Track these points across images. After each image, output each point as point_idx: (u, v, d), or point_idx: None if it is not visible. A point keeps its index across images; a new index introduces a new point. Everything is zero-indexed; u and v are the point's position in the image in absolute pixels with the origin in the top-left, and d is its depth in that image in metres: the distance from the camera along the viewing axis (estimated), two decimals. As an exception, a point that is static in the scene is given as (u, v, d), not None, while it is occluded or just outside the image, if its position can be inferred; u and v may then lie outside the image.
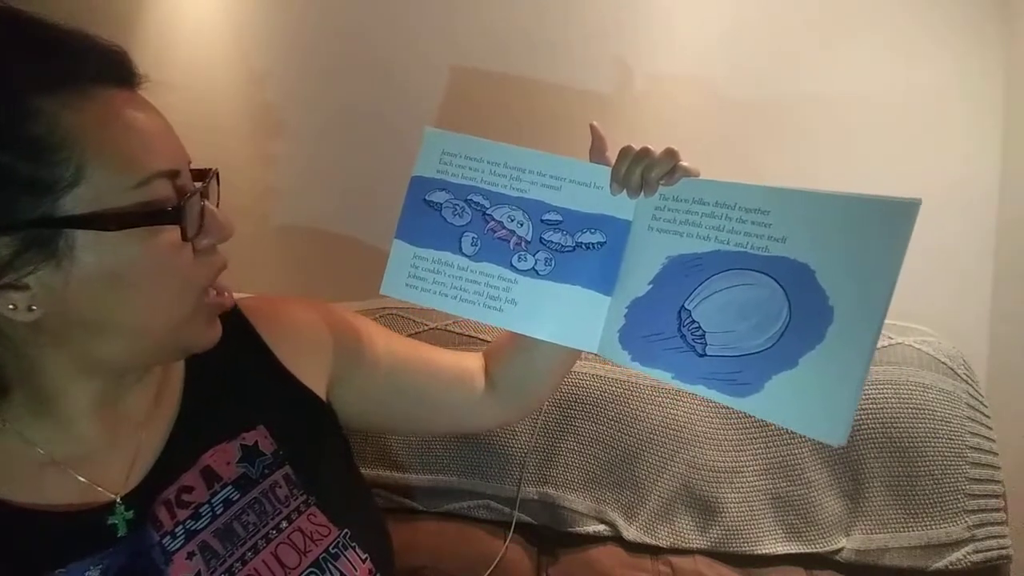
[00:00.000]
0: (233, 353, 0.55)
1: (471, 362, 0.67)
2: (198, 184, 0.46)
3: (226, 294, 0.50)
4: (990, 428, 0.86)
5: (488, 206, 0.56)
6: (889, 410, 0.85)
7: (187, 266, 0.45)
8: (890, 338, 0.90)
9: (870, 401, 0.86)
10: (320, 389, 0.59)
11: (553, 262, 0.55)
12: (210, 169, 0.48)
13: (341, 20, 1.07)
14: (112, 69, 0.43)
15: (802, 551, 0.87)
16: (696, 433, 0.89)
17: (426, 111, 1.08)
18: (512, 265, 0.55)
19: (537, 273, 0.55)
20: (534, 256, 0.55)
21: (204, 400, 0.54)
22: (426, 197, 0.57)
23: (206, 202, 0.47)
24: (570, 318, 0.55)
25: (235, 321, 0.58)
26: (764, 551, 0.87)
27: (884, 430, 0.85)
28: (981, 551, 0.83)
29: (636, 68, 1.02)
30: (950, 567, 0.83)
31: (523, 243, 0.55)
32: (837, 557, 0.86)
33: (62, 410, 0.46)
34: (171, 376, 0.54)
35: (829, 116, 0.99)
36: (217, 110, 1.11)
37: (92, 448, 0.48)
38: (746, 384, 0.45)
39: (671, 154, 0.51)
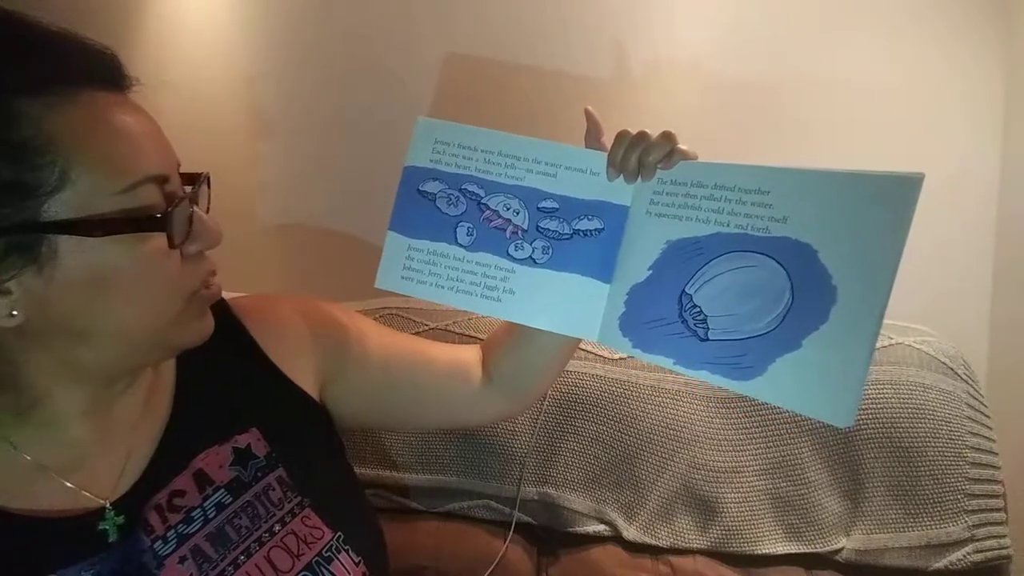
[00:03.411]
0: (225, 354, 0.55)
1: (467, 355, 0.66)
2: (187, 189, 0.46)
3: (213, 285, 0.49)
4: (990, 428, 0.86)
5: (483, 195, 0.55)
6: (889, 410, 0.85)
7: (174, 272, 0.44)
8: (890, 338, 0.90)
9: (870, 401, 0.86)
10: (313, 389, 0.59)
11: (551, 250, 0.54)
12: (200, 173, 0.48)
13: (336, 18, 1.07)
14: (101, 72, 0.43)
15: (802, 551, 0.86)
16: (696, 433, 0.89)
17: (425, 106, 1.08)
18: (509, 254, 0.55)
19: (535, 262, 0.55)
20: (531, 245, 0.55)
21: (196, 402, 0.53)
22: (419, 187, 0.56)
23: (195, 208, 0.46)
24: (569, 307, 0.54)
25: (227, 321, 0.57)
26: (764, 551, 0.87)
27: (884, 430, 0.85)
28: (981, 551, 0.83)
29: (634, 53, 1.01)
30: (950, 567, 0.83)
31: (519, 232, 0.55)
32: (837, 557, 0.86)
33: (48, 416, 0.46)
34: (162, 378, 0.53)
35: (828, 112, 0.99)
36: (215, 110, 1.11)
37: (81, 453, 0.48)
38: (749, 367, 0.45)
39: (668, 137, 0.50)
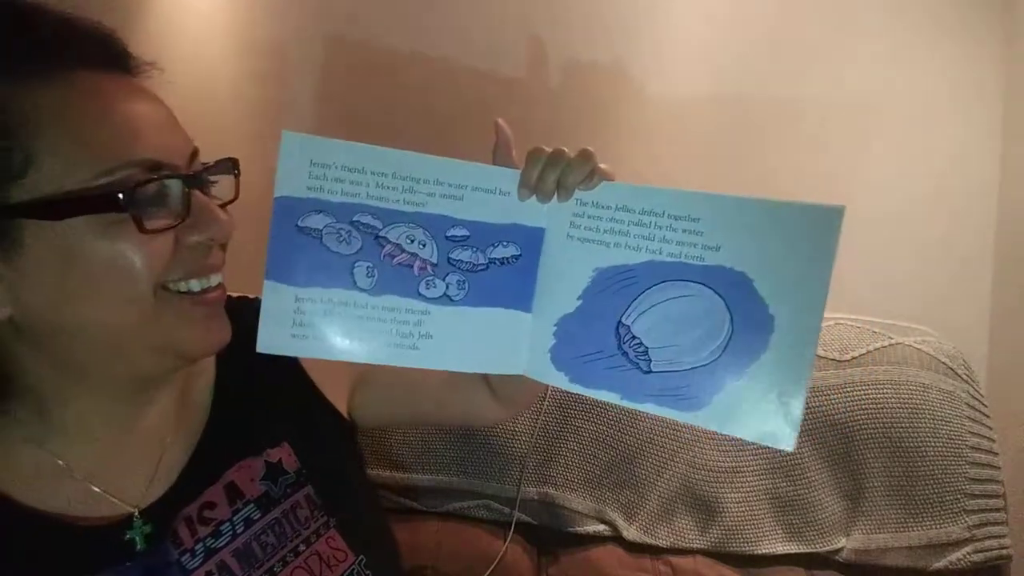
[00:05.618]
0: (262, 364, 0.53)
1: None
2: (187, 174, 0.42)
3: (212, 293, 0.45)
4: (990, 428, 0.86)
5: (381, 227, 0.46)
6: (889, 410, 0.85)
7: (154, 262, 0.41)
8: (890, 338, 0.90)
9: (870, 401, 0.86)
10: (342, 404, 0.58)
11: (467, 284, 0.48)
12: (217, 161, 0.45)
13: (340, 18, 1.07)
14: (95, 52, 0.41)
15: (802, 551, 0.87)
16: (696, 433, 0.89)
17: (429, 106, 1.08)
18: (420, 294, 0.47)
19: (451, 299, 0.48)
20: (444, 280, 0.48)
21: (233, 413, 0.52)
22: (299, 223, 0.45)
23: (197, 193, 0.43)
24: (492, 343, 0.49)
25: None
26: (764, 551, 0.87)
27: (884, 430, 0.85)
28: (981, 551, 0.83)
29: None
30: (950, 567, 0.83)
31: (429, 266, 0.47)
32: (837, 557, 0.86)
33: (69, 420, 0.45)
34: (197, 386, 0.52)
35: (826, 115, 0.99)
36: (217, 109, 1.11)
37: (109, 459, 0.47)
38: (695, 398, 0.44)
39: (588, 156, 0.45)
